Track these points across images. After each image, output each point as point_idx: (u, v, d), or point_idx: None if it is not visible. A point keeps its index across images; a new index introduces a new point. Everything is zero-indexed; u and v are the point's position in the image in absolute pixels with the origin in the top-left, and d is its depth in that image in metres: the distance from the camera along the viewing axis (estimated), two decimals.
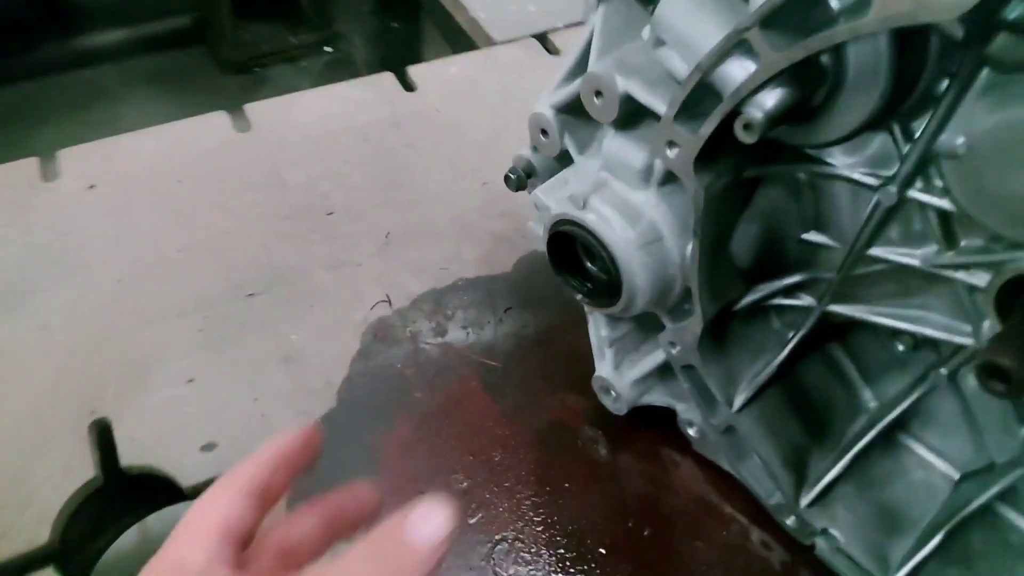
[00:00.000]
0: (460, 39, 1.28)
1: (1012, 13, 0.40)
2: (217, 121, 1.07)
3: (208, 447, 0.74)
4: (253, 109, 1.08)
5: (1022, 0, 0.39)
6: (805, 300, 0.66)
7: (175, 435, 0.75)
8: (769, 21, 0.44)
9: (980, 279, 0.54)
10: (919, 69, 0.48)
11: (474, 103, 1.10)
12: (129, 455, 0.73)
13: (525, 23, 1.23)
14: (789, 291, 0.66)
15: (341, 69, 1.86)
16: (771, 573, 0.71)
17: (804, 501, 0.68)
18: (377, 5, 1.75)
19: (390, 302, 0.86)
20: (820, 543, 0.69)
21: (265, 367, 0.81)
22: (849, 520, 0.67)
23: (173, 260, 0.90)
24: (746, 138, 0.49)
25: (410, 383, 0.79)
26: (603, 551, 0.69)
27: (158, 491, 0.74)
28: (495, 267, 0.90)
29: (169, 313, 0.85)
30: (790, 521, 0.69)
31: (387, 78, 1.13)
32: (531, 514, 0.71)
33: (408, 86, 1.12)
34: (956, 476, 0.68)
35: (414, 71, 1.14)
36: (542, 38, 1.21)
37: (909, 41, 0.46)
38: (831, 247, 0.62)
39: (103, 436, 0.75)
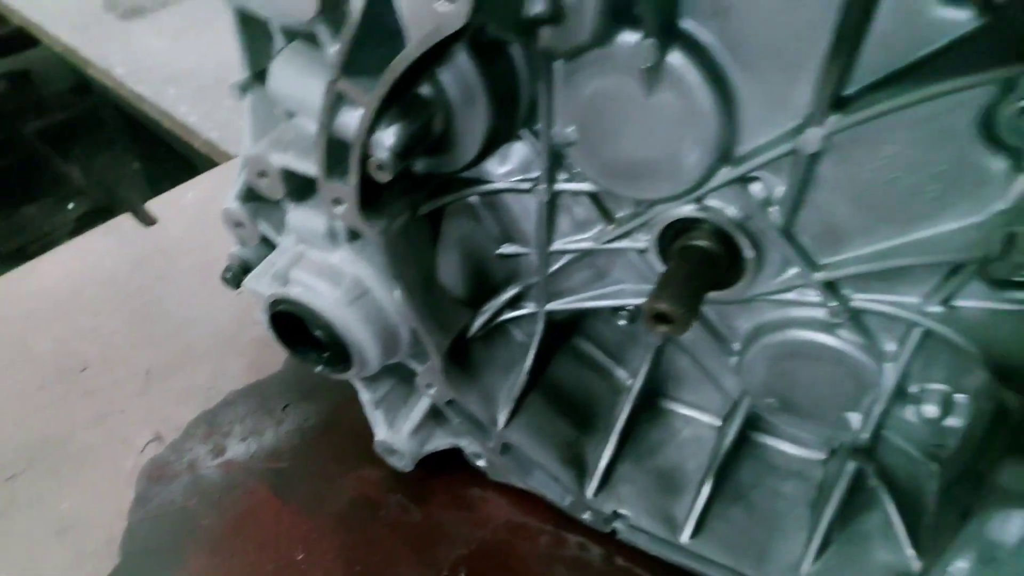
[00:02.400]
0: (203, 163, 1.29)
1: (535, 10, 0.45)
2: None
3: None
4: None
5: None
6: (530, 307, 0.70)
7: None
8: (350, 68, 0.48)
9: (642, 242, 0.60)
10: (513, 80, 0.53)
11: (217, 221, 1.09)
12: None
13: None
14: (513, 303, 0.70)
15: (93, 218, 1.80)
16: (593, 570, 0.72)
17: (589, 492, 0.70)
18: (111, 151, 1.72)
19: (161, 439, 0.83)
20: (619, 526, 0.71)
21: (38, 546, 0.75)
22: (633, 494, 0.70)
23: None
24: (382, 177, 0.52)
25: (195, 514, 0.76)
26: None
27: None
28: (263, 371, 0.89)
29: None
30: (586, 516, 0.72)
31: (126, 220, 1.11)
32: None
33: (148, 221, 1.11)
34: (719, 423, 0.73)
35: (152, 205, 1.12)
36: None
37: (491, 58, 0.51)
38: (526, 253, 0.66)
39: None
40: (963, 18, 0.39)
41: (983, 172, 0.44)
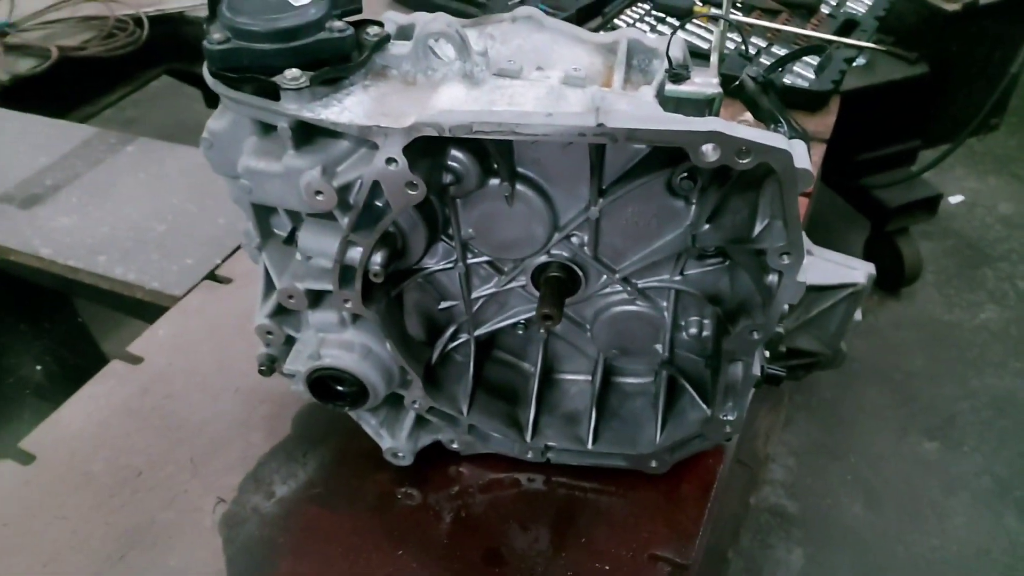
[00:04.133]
0: (150, 309, 1.58)
1: (445, 180, 0.88)
2: None
3: None
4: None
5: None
6: (464, 337, 1.12)
7: None
8: (356, 228, 0.88)
9: (522, 280, 1.04)
10: (434, 213, 0.96)
11: (192, 347, 1.42)
12: None
13: (192, 273, 1.58)
14: (453, 336, 1.12)
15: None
16: (540, 494, 1.15)
17: (528, 439, 1.13)
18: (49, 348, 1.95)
19: (224, 500, 1.15)
20: (551, 455, 1.14)
21: None
22: (554, 433, 1.13)
23: None
24: (377, 280, 0.93)
25: (271, 536, 1.10)
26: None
27: None
28: (278, 436, 1.23)
29: None
30: (530, 455, 1.14)
31: (116, 364, 1.39)
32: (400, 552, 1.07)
33: (135, 360, 1.40)
34: (590, 378, 1.19)
35: (134, 347, 1.42)
36: (212, 277, 1.57)
37: (422, 204, 0.94)
38: (456, 304, 1.08)
39: None
40: (643, 147, 0.87)
41: (675, 209, 0.92)
